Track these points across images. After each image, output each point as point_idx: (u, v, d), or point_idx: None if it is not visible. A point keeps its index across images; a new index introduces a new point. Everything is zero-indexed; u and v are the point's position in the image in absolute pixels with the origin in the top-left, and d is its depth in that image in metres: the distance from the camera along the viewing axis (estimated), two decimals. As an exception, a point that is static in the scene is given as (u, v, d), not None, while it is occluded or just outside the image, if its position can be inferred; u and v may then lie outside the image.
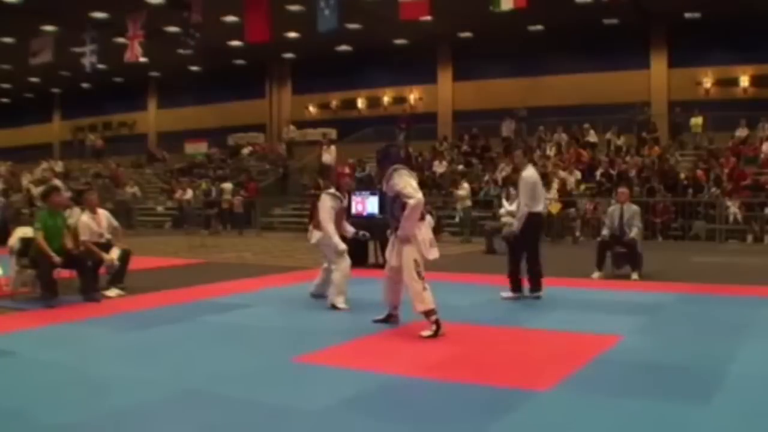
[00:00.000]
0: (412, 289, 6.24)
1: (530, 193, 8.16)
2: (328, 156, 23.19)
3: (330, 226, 7.71)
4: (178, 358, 5.59)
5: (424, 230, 6.39)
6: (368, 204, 11.72)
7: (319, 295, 8.15)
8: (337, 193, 7.96)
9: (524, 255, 8.25)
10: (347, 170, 8.49)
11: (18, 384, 4.85)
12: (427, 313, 6.20)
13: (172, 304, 8.04)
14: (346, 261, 7.79)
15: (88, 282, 8.16)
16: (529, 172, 8.29)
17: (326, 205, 7.81)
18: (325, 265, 8.20)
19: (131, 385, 4.74)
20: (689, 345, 5.91)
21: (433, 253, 6.41)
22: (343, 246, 7.75)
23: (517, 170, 9.39)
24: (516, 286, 8.28)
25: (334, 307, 7.63)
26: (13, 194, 22.35)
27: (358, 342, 6.15)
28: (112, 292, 8.57)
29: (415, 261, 6.23)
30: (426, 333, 6.13)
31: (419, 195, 6.22)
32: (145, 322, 6.99)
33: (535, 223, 8.27)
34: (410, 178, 6.34)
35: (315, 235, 8.09)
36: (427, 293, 6.21)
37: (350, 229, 8.32)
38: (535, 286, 8.25)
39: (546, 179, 19.13)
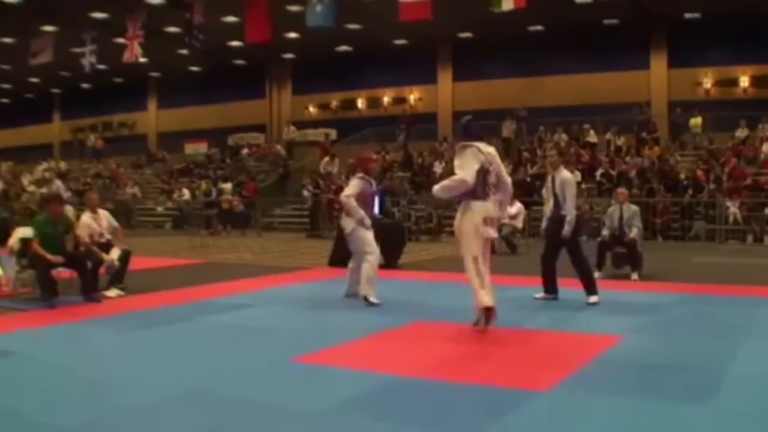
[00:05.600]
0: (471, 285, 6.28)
1: (575, 195, 8.16)
2: (331, 168, 23.23)
3: (352, 200, 7.85)
4: (178, 358, 5.58)
5: (490, 207, 6.31)
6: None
7: (353, 294, 8.18)
8: (367, 177, 8.15)
9: (557, 256, 8.19)
10: (374, 156, 8.68)
11: (18, 384, 4.85)
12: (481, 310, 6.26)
13: (172, 305, 8.03)
14: (376, 252, 7.89)
15: (88, 282, 8.14)
16: (569, 174, 8.31)
17: (353, 183, 8.04)
18: (351, 264, 8.25)
19: (131, 385, 4.74)
20: (689, 345, 5.92)
21: (487, 232, 6.26)
22: (368, 221, 7.85)
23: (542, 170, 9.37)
24: (551, 288, 8.17)
25: (366, 300, 7.70)
26: (15, 201, 22.46)
27: (358, 342, 6.15)
28: (112, 293, 8.56)
29: (474, 258, 6.18)
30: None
31: (464, 175, 6.13)
32: (145, 322, 6.99)
33: (578, 224, 8.31)
34: (471, 159, 6.21)
35: (348, 224, 8.04)
36: (484, 292, 6.17)
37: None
38: (592, 289, 7.94)
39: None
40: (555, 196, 8.09)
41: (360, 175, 8.20)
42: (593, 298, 7.81)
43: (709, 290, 8.94)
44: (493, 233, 6.38)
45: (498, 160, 6.53)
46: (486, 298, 6.17)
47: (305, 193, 22.81)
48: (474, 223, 6.19)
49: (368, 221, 7.92)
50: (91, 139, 33.26)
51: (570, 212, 7.93)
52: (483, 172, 6.22)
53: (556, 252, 8.17)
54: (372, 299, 7.70)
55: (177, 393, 4.61)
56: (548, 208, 8.30)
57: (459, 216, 6.36)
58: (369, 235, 7.92)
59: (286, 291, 9.28)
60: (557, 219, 8.03)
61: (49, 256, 7.78)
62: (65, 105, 37.80)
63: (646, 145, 21.58)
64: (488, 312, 6.20)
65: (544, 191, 8.61)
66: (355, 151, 24.48)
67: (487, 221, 6.23)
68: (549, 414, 4.15)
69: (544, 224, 8.60)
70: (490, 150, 6.47)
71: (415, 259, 12.84)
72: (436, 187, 6.43)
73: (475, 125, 6.66)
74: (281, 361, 5.38)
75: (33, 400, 4.46)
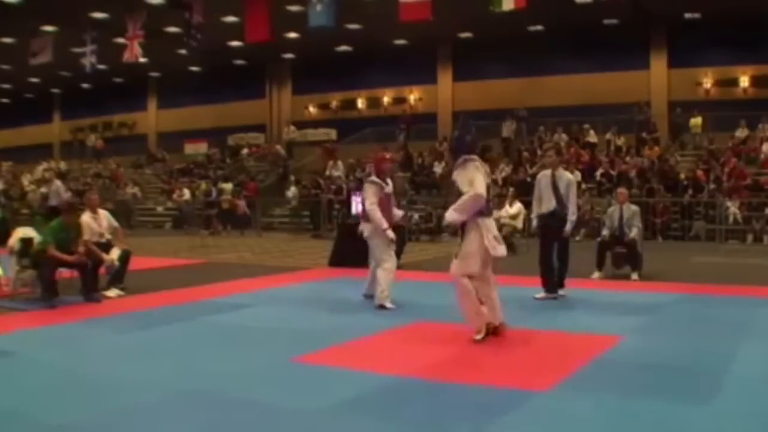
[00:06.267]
0: (461, 304, 6.00)
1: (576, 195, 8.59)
2: (336, 171, 23.27)
3: (377, 211, 7.66)
4: (178, 358, 5.59)
5: (491, 227, 6.04)
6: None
7: (371, 295, 8.10)
8: (377, 180, 7.92)
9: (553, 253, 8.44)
10: (387, 155, 8.38)
11: (18, 384, 4.85)
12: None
13: (172, 304, 8.04)
14: (392, 260, 7.77)
15: (89, 282, 8.16)
16: (571, 174, 8.85)
17: (368, 192, 7.81)
18: (371, 265, 8.17)
19: (131, 385, 4.74)
20: (689, 345, 5.92)
21: (500, 251, 5.99)
22: (392, 234, 7.71)
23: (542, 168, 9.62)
24: (551, 288, 8.32)
25: (382, 307, 7.59)
26: (18, 201, 22.44)
27: (358, 342, 6.15)
28: (112, 293, 8.57)
29: (470, 275, 5.88)
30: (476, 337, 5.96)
31: (478, 191, 5.82)
32: (145, 322, 6.99)
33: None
34: (477, 172, 5.93)
35: (366, 228, 7.89)
36: (478, 316, 5.93)
37: (399, 212, 8.36)
38: (563, 284, 8.44)
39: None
40: (557, 194, 8.27)
41: (371, 178, 8.00)
42: (562, 292, 8.35)
43: (709, 290, 8.94)
44: (504, 251, 6.10)
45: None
46: (482, 320, 5.96)
47: (289, 193, 22.86)
48: (485, 243, 5.88)
49: (390, 235, 7.67)
50: (91, 139, 33.27)
51: (575, 212, 8.40)
52: (487, 188, 5.99)
53: (552, 249, 8.36)
54: (388, 305, 7.61)
55: (177, 393, 4.61)
56: (544, 206, 8.40)
57: (468, 235, 5.94)
58: (386, 243, 7.76)
59: (286, 291, 9.28)
60: (559, 217, 8.23)
61: (70, 258, 7.92)
62: (65, 105, 37.77)
63: (646, 145, 21.58)
64: (492, 327, 6.00)
65: (536, 190, 8.65)
66: (355, 151, 24.58)
67: (497, 239, 6.01)
68: (549, 414, 4.15)
69: (536, 222, 8.71)
70: (485, 165, 6.23)
71: (415, 259, 12.83)
72: (449, 213, 5.98)
73: (469, 137, 6.44)
74: (281, 361, 5.39)
75: (33, 400, 4.46)
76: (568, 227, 8.31)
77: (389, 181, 8.13)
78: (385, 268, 7.69)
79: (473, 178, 5.90)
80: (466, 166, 6.01)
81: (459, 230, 6.10)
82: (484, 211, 5.99)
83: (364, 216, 7.96)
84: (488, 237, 5.92)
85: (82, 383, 4.87)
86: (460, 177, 6.01)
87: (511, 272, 9.97)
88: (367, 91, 29.47)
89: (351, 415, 4.18)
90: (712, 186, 18.09)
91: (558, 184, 8.32)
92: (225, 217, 22.12)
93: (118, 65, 24.12)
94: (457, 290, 5.97)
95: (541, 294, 8.29)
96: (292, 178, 24.13)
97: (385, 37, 26.09)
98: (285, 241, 18.41)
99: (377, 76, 28.91)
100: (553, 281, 8.31)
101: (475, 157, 6.10)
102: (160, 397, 4.50)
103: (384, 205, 7.83)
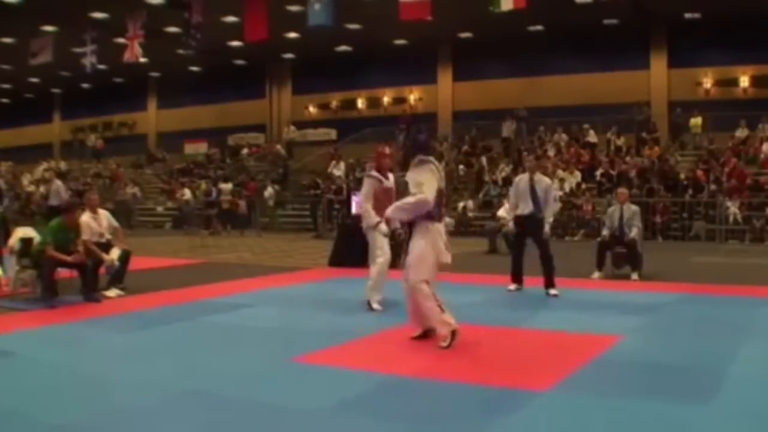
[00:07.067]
0: (425, 310, 5.88)
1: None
2: (337, 171, 23.27)
3: (368, 205, 7.67)
4: (178, 358, 5.58)
5: (443, 230, 6.00)
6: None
7: None
8: (375, 174, 7.88)
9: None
10: (387, 150, 8.37)
11: (18, 384, 4.85)
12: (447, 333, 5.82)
13: (172, 304, 8.04)
14: (385, 256, 7.69)
15: (89, 282, 8.16)
16: (547, 179, 9.20)
17: (364, 185, 7.88)
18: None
19: (131, 385, 4.74)
20: (689, 345, 5.91)
21: (446, 257, 5.99)
22: (384, 229, 7.47)
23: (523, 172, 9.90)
24: (520, 279, 8.88)
25: (368, 305, 7.55)
26: (17, 202, 22.43)
27: (358, 342, 6.15)
28: (112, 293, 8.57)
29: (426, 281, 5.82)
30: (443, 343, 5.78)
31: (426, 195, 5.72)
32: (145, 322, 6.99)
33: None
34: (431, 175, 5.83)
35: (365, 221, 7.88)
36: (447, 315, 5.76)
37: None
38: (553, 283, 8.61)
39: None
40: (534, 198, 8.65)
41: (369, 172, 8.01)
42: (554, 291, 8.51)
43: (709, 290, 8.94)
44: (449, 258, 6.04)
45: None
46: (452, 320, 5.77)
47: (266, 193, 22.85)
48: (435, 248, 5.85)
49: (383, 230, 7.50)
50: (91, 139, 33.28)
51: (552, 215, 8.92)
52: (439, 192, 5.89)
53: (524, 249, 8.90)
54: (374, 305, 7.55)
55: (177, 393, 4.61)
56: (522, 209, 8.73)
57: (417, 238, 5.89)
58: (381, 238, 7.67)
59: (286, 291, 9.28)
60: (536, 219, 8.63)
61: (69, 258, 7.92)
62: (65, 105, 37.77)
63: (646, 145, 21.59)
64: (455, 333, 5.74)
65: (512, 192, 9.08)
66: (355, 151, 24.58)
67: (446, 246, 5.95)
68: (548, 414, 4.15)
69: (512, 225, 9.17)
70: (440, 166, 6.19)
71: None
72: (391, 210, 5.97)
73: (423, 137, 6.41)
74: (281, 361, 5.38)
75: (33, 400, 4.46)
76: (547, 229, 8.71)
77: (390, 176, 8.06)
78: (376, 263, 7.67)
79: (424, 182, 5.78)
80: (422, 167, 5.89)
81: (404, 230, 6.23)
82: (434, 215, 5.88)
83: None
84: (438, 243, 5.88)
85: (82, 383, 4.88)
86: (412, 177, 5.90)
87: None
88: (367, 91, 29.48)
89: (351, 414, 4.18)
90: (712, 186, 18.10)
91: (536, 187, 8.68)
92: (225, 217, 22.12)
93: (118, 65, 24.12)
94: (417, 297, 5.90)
95: (513, 286, 8.83)
96: (269, 179, 24.15)
97: (385, 37, 26.08)
98: (285, 241, 18.41)
99: (377, 76, 28.91)
100: (520, 275, 8.86)
101: (431, 159, 6.01)
102: (160, 397, 4.49)
103: (382, 200, 7.67)
